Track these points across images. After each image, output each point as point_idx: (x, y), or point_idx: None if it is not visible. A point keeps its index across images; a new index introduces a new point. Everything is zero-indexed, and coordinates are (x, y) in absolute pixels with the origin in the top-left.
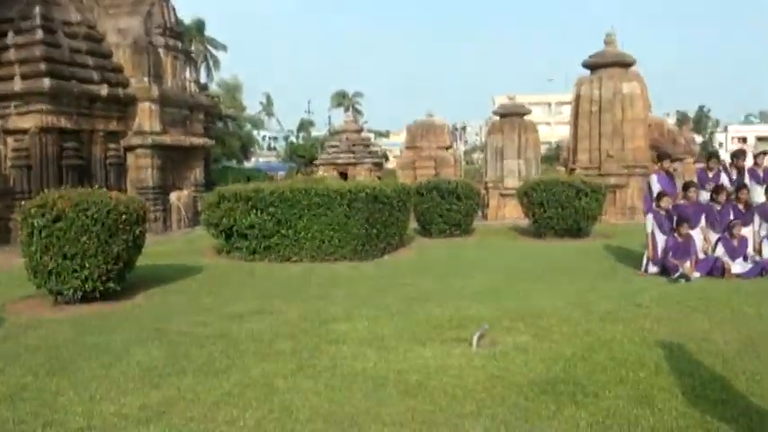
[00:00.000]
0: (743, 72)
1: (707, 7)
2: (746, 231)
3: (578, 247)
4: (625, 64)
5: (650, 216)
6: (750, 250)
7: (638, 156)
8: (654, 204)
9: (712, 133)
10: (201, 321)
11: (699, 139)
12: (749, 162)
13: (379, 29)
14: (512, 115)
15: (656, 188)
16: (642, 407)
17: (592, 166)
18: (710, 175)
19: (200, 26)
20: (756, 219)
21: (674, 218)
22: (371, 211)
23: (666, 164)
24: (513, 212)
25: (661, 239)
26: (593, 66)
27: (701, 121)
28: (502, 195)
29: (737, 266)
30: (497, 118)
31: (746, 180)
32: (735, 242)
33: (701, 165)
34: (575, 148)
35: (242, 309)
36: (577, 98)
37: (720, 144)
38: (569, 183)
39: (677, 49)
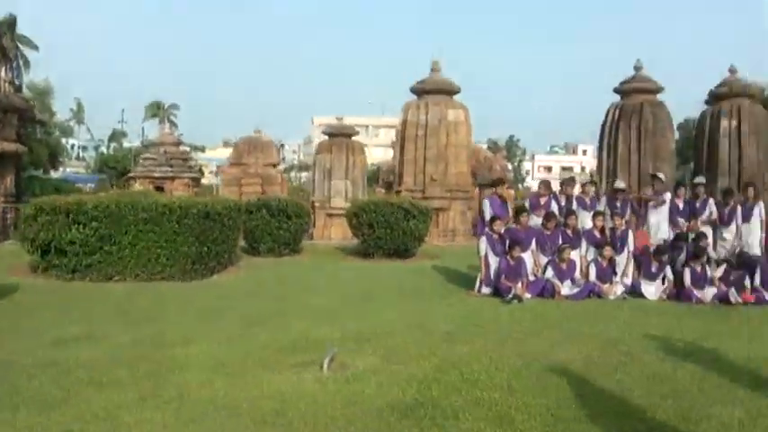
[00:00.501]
0: (549, 104)
1: (515, 39)
2: (574, 255)
3: (408, 267)
4: (451, 91)
5: (483, 239)
6: (577, 273)
7: (461, 180)
8: (487, 227)
9: (521, 161)
10: (25, 348)
11: (509, 166)
12: (577, 190)
13: (196, 42)
14: (340, 135)
15: (489, 212)
16: (504, 428)
17: (416, 188)
18: (542, 201)
19: (11, 22)
20: (584, 243)
21: (507, 241)
22: (202, 228)
23: (500, 189)
24: (339, 232)
25: (494, 261)
26: (419, 91)
27: (510, 149)
28: (329, 215)
29: (566, 288)
30: (326, 137)
31: (575, 207)
32: (564, 265)
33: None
34: (401, 171)
35: (68, 333)
36: (404, 122)
37: (527, 172)
38: (398, 204)
39: (487, 79)
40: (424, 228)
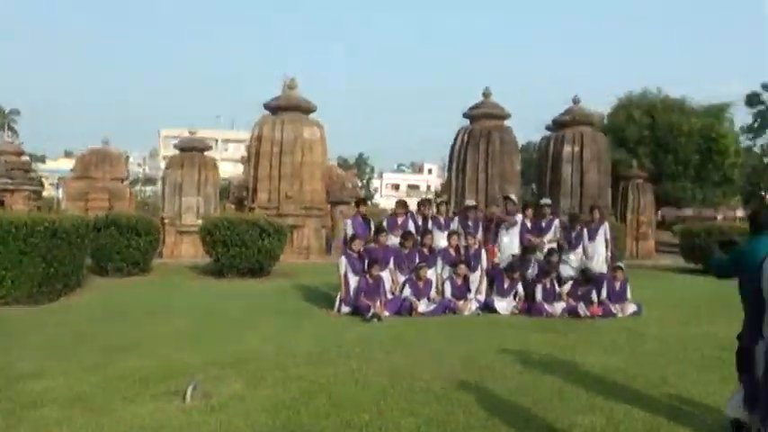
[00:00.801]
0: (397, 124)
1: (356, 59)
2: (431, 274)
3: (264, 287)
4: (307, 110)
5: (343, 258)
6: (433, 291)
7: (315, 198)
8: (346, 246)
9: (370, 179)
10: None
11: (359, 183)
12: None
13: (36, 45)
14: (192, 150)
15: (350, 231)
16: None
17: (271, 206)
18: (399, 221)
19: None
20: (439, 262)
21: (366, 260)
22: (50, 247)
23: (363, 208)
24: (190, 250)
25: (353, 280)
26: (274, 108)
27: (360, 166)
28: (179, 232)
29: (423, 305)
30: (176, 151)
31: (430, 226)
32: (420, 283)
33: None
34: (255, 187)
35: None
36: (259, 138)
37: (376, 189)
38: (253, 222)
39: (336, 96)
40: (280, 246)
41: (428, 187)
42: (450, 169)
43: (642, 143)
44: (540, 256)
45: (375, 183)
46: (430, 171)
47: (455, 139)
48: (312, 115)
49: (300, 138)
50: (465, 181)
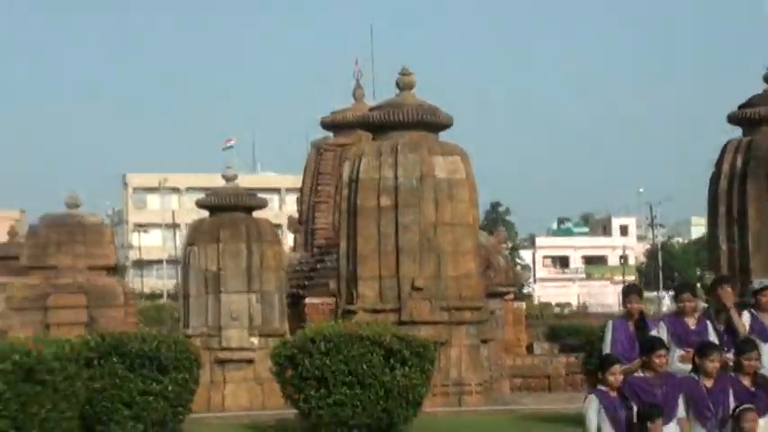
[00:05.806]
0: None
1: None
2: (763, 425)
3: None
4: (438, 125)
5: (594, 399)
6: None
7: (468, 288)
8: (600, 377)
9: (515, 248)
10: None
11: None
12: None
13: None
14: (234, 209)
15: (607, 347)
16: None
17: (386, 306)
18: (688, 323)
19: None
20: None
21: (633, 403)
22: (23, 397)
23: (633, 302)
24: (242, 397)
25: None
26: (373, 124)
27: (495, 227)
28: (219, 362)
29: None
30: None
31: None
32: None
33: None
34: (354, 274)
35: None
36: (350, 184)
37: (526, 266)
38: (373, 338)
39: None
40: (422, 381)
41: (624, 258)
42: (712, 220)
43: None
44: None
45: (523, 254)
46: (624, 230)
47: (718, 165)
48: (446, 134)
49: (431, 176)
50: (747, 240)
